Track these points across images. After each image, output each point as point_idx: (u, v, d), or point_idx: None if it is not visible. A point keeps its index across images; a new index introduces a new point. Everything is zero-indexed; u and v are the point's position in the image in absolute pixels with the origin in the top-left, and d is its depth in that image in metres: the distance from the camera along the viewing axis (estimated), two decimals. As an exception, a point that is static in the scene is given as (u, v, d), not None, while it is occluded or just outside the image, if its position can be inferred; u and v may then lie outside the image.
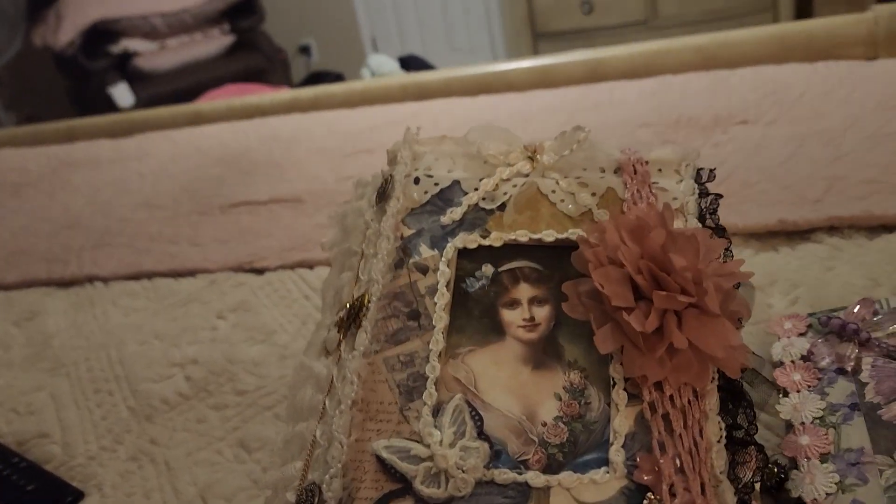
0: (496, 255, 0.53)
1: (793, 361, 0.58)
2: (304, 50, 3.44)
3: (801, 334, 0.60)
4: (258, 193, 1.11)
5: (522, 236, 0.53)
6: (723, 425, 0.44)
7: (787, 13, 2.59)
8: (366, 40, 3.35)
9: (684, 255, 0.45)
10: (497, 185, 0.56)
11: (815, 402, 0.54)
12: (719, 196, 0.56)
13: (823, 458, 0.50)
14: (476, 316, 0.51)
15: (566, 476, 0.43)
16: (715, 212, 0.55)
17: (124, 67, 2.81)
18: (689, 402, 0.44)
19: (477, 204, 0.55)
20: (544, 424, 0.45)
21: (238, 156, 1.27)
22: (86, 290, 0.98)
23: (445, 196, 0.57)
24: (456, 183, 0.57)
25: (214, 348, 0.80)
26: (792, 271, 0.73)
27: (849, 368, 0.55)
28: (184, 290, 0.93)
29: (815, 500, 0.48)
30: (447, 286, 0.51)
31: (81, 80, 2.80)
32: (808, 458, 0.50)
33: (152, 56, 2.81)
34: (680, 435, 0.43)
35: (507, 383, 0.47)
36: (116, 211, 1.17)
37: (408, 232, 0.55)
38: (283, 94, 1.53)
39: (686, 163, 0.57)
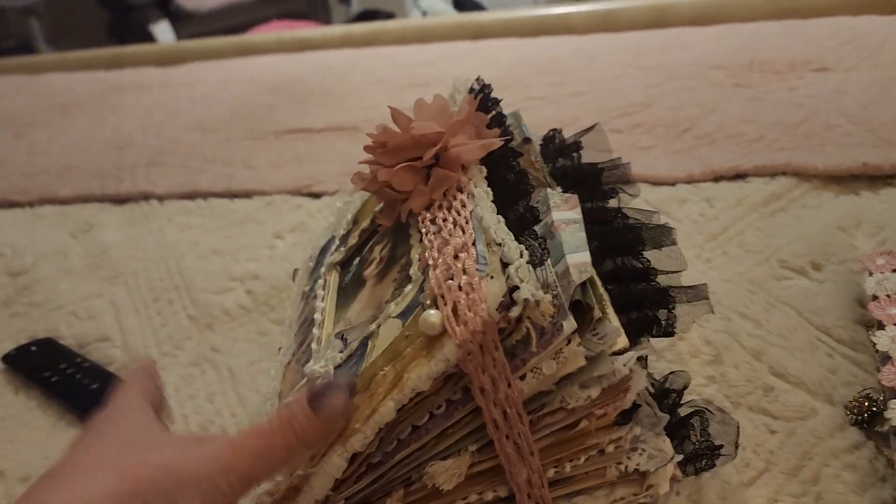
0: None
1: (888, 296, 0.56)
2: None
3: (895, 270, 0.58)
4: (313, 121, 1.10)
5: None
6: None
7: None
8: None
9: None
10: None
11: (914, 336, 0.51)
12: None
13: (923, 388, 0.48)
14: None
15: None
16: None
17: (166, 5, 2.79)
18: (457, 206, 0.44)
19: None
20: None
21: (291, 84, 1.25)
22: (140, 206, 0.98)
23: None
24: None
25: (274, 265, 0.79)
26: (876, 214, 0.70)
27: (950, 304, 0.53)
28: (240, 210, 0.92)
29: (917, 429, 0.46)
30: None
31: (123, 16, 2.78)
32: (909, 390, 0.48)
33: (195, -6, 2.78)
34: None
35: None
36: (168, 132, 1.16)
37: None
38: (336, 28, 1.50)
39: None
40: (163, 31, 2.77)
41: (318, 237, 0.65)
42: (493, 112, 0.54)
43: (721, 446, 0.45)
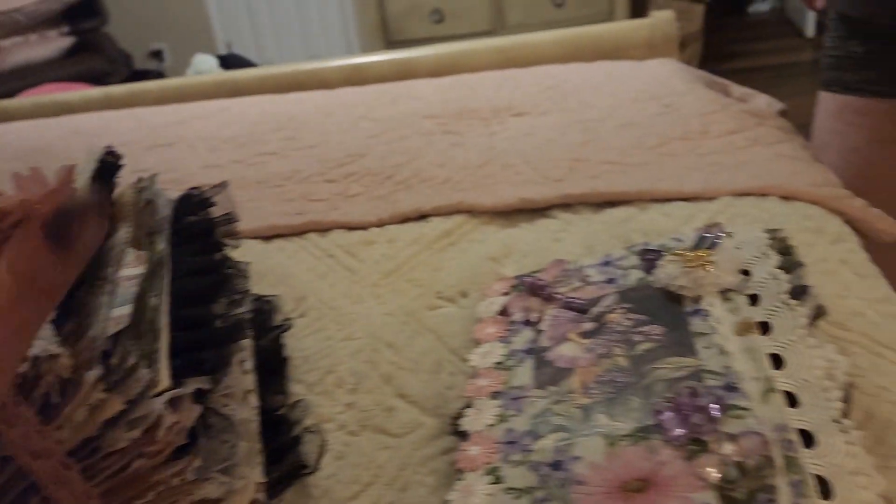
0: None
1: (492, 317, 0.64)
2: (157, 54, 3.36)
3: (506, 293, 0.66)
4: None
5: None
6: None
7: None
8: (220, 46, 3.30)
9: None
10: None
11: (500, 350, 0.59)
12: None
13: (494, 395, 0.55)
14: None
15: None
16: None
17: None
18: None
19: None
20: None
21: (37, 151, 1.24)
22: None
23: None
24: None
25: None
26: (525, 243, 0.79)
27: (534, 320, 0.61)
28: None
29: (479, 431, 0.53)
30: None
31: None
32: (481, 397, 0.55)
33: (-17, 57, 2.67)
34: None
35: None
36: None
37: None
38: (95, 91, 1.51)
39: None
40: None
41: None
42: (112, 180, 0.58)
43: (306, 465, 0.50)
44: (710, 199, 0.80)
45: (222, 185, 0.62)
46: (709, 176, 0.83)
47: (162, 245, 0.54)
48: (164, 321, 0.47)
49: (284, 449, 0.53)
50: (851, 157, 1.00)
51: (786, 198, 0.79)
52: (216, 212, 0.60)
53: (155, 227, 0.57)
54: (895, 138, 0.96)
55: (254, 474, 0.48)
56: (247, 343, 0.61)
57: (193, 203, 0.62)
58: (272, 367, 0.63)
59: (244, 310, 0.55)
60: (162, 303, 0.49)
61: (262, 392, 0.59)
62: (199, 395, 0.47)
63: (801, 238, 0.72)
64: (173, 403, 0.43)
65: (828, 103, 1.03)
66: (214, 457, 0.47)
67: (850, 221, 0.79)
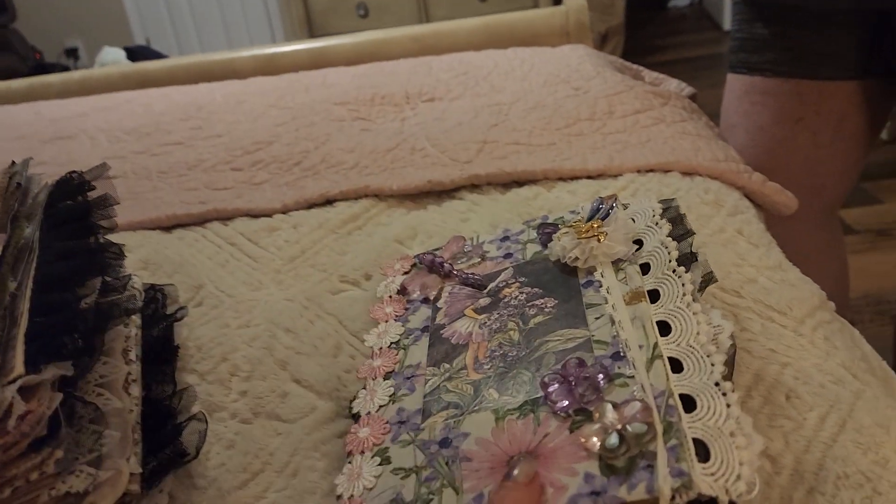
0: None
1: (390, 296, 0.62)
2: (72, 52, 3.24)
3: (406, 273, 0.65)
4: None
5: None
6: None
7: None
8: (139, 41, 3.21)
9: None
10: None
11: (396, 329, 0.58)
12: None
13: (388, 375, 0.54)
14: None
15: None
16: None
17: None
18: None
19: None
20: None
21: (-74, 147, 1.18)
22: None
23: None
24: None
25: None
26: (432, 225, 0.78)
27: (431, 297, 0.60)
28: None
29: (370, 412, 0.51)
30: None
31: None
32: (375, 378, 0.54)
33: None
34: None
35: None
36: None
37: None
38: (-6, 84, 1.44)
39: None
40: None
41: None
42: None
43: (186, 453, 0.48)
44: (615, 176, 0.80)
45: (101, 168, 0.59)
46: (613, 154, 0.83)
47: (29, 229, 0.51)
48: (24, 306, 0.44)
49: (167, 438, 0.50)
50: (758, 136, 1.02)
51: (687, 173, 0.80)
52: (94, 195, 0.57)
53: (25, 212, 0.54)
54: (799, 117, 0.98)
55: (127, 465, 0.46)
56: (132, 332, 0.58)
57: (71, 187, 0.59)
58: (162, 357, 0.61)
59: (120, 296, 0.52)
60: (25, 287, 0.46)
61: (149, 381, 0.57)
62: (66, 384, 0.45)
63: (701, 210, 0.73)
64: (28, 391, 0.40)
65: (734, 85, 1.05)
66: (81, 448, 0.44)
67: (750, 195, 0.80)
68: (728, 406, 0.42)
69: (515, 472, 0.41)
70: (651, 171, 0.80)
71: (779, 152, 1.01)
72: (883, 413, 0.50)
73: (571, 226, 0.57)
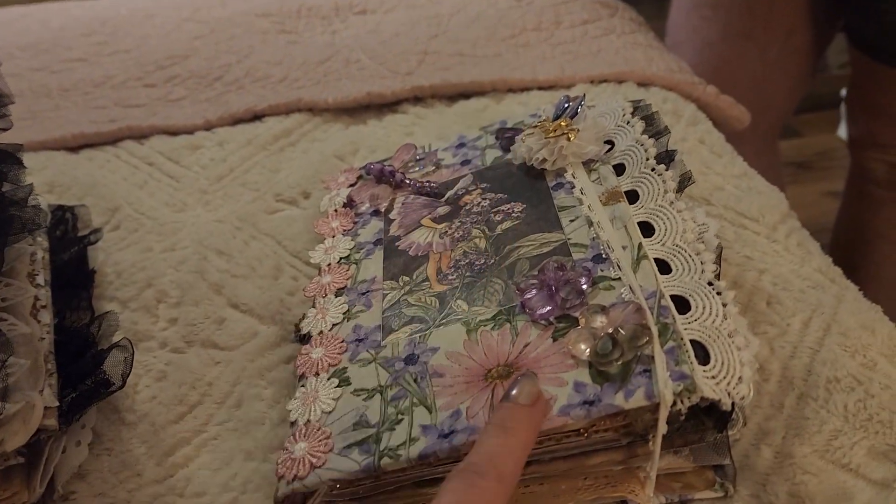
0: None
1: (335, 210, 0.56)
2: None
3: (352, 185, 0.59)
4: None
5: None
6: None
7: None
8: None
9: None
10: None
11: (346, 244, 0.52)
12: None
13: (339, 292, 0.48)
14: None
15: None
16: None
17: None
18: None
19: None
20: None
21: None
22: None
23: None
24: None
25: None
26: (375, 139, 0.72)
27: (382, 209, 0.54)
28: None
29: (322, 332, 0.46)
30: None
31: None
32: (325, 296, 0.48)
33: None
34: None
35: None
36: None
37: None
38: None
39: None
40: None
41: None
42: None
43: (110, 383, 0.42)
44: (567, 87, 0.76)
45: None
46: (564, 64, 0.78)
47: None
48: None
49: (86, 368, 0.44)
50: (706, 53, 0.99)
51: (643, 84, 0.76)
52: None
53: None
54: (748, 33, 0.95)
55: (40, 397, 0.39)
56: (38, 254, 0.50)
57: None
58: (76, 282, 0.53)
59: (20, 210, 0.44)
60: None
61: (62, 308, 0.50)
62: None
63: (660, 119, 0.69)
64: None
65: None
66: (-21, 378, 0.37)
67: (704, 108, 0.77)
68: (724, 305, 0.38)
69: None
70: (605, 81, 0.76)
71: (726, 70, 0.98)
72: (866, 315, 0.48)
73: (537, 126, 0.52)
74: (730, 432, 0.39)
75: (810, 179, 1.96)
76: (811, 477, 0.40)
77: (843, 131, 1.92)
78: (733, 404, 0.35)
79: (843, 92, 1.81)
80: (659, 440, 0.35)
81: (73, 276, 0.54)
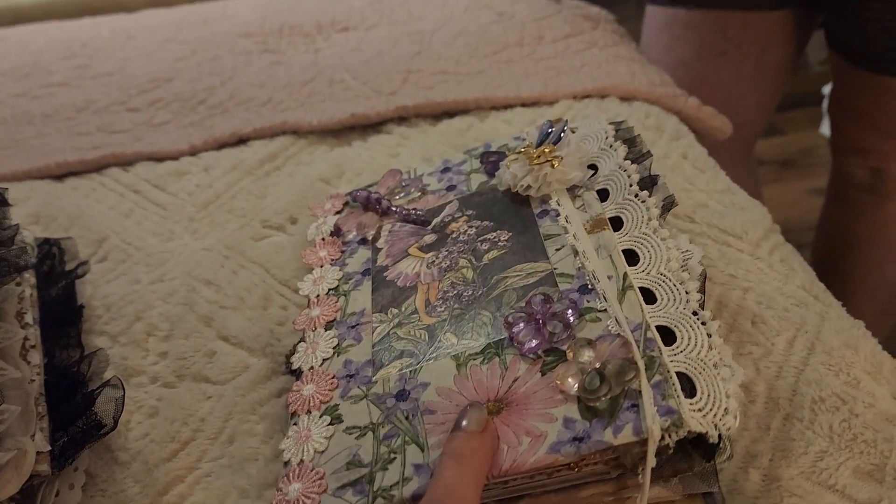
0: None
1: (323, 238, 0.56)
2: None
3: (339, 212, 0.59)
4: None
5: None
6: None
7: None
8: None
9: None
10: None
11: (334, 274, 0.52)
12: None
13: (329, 325, 0.49)
14: None
15: None
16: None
17: None
18: None
19: None
20: None
21: None
22: None
23: None
24: None
25: None
26: (360, 161, 0.72)
27: (369, 237, 0.54)
28: None
29: (312, 367, 0.46)
30: None
31: None
32: (315, 329, 0.49)
33: None
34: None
35: None
36: None
37: None
38: None
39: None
40: None
41: None
42: None
43: (102, 424, 0.42)
44: (551, 103, 0.76)
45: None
46: (547, 80, 0.79)
47: None
48: None
49: (77, 409, 0.44)
50: (680, 71, 0.99)
51: (625, 98, 0.76)
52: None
53: None
54: (721, 51, 0.95)
55: (31, 442, 0.39)
56: (26, 292, 0.50)
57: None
58: (65, 319, 0.53)
59: (7, 249, 0.44)
60: None
61: (51, 347, 0.50)
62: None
63: (643, 136, 0.70)
64: None
65: (655, 18, 1.01)
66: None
67: (686, 120, 0.78)
68: (709, 336, 0.39)
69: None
70: (588, 96, 0.76)
71: (701, 88, 0.98)
72: (849, 333, 0.49)
73: (521, 152, 0.52)
74: (717, 461, 0.39)
75: (794, 177, 1.97)
76: (798, 500, 0.40)
77: (825, 128, 1.93)
78: (720, 435, 0.36)
79: (825, 89, 1.82)
80: (648, 473, 0.35)
81: (62, 312, 0.54)
